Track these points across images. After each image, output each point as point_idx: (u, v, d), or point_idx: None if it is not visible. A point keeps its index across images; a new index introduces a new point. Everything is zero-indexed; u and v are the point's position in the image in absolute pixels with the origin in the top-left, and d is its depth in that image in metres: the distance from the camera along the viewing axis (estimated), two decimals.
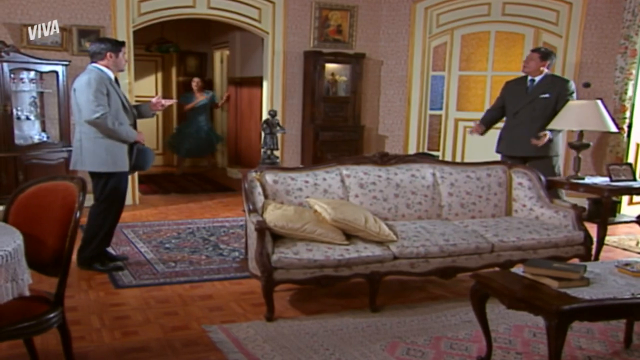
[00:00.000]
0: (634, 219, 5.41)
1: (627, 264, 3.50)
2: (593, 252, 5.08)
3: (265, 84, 8.68)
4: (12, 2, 7.16)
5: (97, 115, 4.75)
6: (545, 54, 6.17)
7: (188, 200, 8.44)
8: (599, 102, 5.33)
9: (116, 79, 5.07)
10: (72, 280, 4.87)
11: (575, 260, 4.84)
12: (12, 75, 6.86)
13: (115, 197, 5.07)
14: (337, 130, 8.54)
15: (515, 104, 6.29)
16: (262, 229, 4.13)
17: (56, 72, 7.07)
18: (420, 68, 8.78)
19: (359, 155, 5.34)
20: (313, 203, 4.56)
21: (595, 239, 5.15)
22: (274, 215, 4.30)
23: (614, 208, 5.32)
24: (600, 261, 3.90)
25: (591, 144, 5.77)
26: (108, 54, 4.97)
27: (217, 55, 11.83)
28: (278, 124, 5.90)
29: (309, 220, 4.32)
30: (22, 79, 7.04)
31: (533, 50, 6.34)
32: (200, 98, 10.62)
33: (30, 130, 7.22)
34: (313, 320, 4.18)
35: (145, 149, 5.22)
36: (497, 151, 6.49)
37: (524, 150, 6.18)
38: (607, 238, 6.47)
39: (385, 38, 8.91)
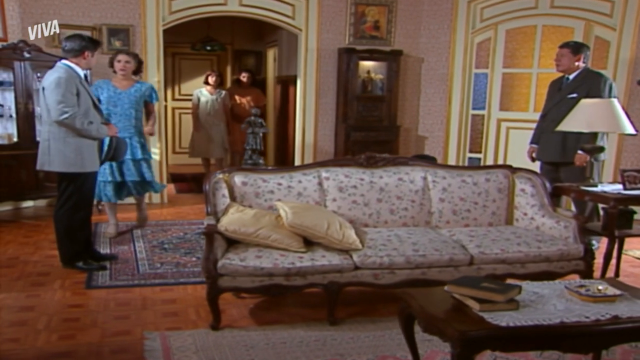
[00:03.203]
0: None
1: (581, 286, 3.05)
2: (600, 267, 4.59)
3: (299, 82, 8.46)
4: (45, 2, 7.32)
5: (66, 116, 4.69)
6: (576, 47, 5.59)
7: None
8: (614, 100, 4.75)
9: (86, 77, 5.01)
10: (48, 279, 4.88)
11: (575, 277, 4.35)
12: (38, 74, 7.00)
13: (80, 196, 4.99)
14: (370, 131, 8.17)
15: (547, 105, 5.85)
16: (210, 233, 3.92)
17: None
18: (462, 65, 8.27)
19: (342, 157, 4.99)
20: (280, 207, 4.31)
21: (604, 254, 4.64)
22: (229, 218, 4.09)
23: (629, 219, 4.71)
24: (556, 281, 3.40)
25: (605, 147, 5.18)
26: (86, 52, 4.92)
27: (270, 53, 11.70)
28: (261, 124, 5.66)
29: (264, 225, 4.06)
30: None
31: (562, 46, 5.68)
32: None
33: None
34: (261, 331, 3.92)
35: (121, 141, 5.20)
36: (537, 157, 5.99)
37: (551, 155, 5.70)
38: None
39: (426, 34, 8.48)
